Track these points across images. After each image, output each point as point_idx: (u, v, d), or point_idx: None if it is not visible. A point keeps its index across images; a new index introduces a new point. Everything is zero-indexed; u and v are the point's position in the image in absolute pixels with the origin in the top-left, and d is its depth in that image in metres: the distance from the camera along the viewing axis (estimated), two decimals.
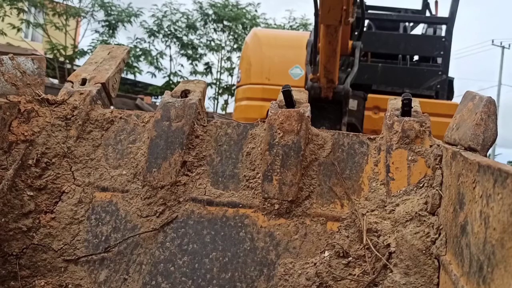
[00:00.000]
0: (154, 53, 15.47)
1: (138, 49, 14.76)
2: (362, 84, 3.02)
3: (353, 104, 2.92)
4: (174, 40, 15.51)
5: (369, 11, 3.48)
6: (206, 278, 0.80)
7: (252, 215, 0.83)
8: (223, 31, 15.31)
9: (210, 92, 15.29)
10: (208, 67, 15.62)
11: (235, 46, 15.74)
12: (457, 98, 3.32)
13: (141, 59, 14.70)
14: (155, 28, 15.37)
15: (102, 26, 14.64)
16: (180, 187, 0.86)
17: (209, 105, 14.72)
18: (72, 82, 1.01)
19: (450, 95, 3.13)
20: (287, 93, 0.89)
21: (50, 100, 0.95)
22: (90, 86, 0.99)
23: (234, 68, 15.46)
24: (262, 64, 3.98)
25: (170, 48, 15.74)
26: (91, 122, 0.95)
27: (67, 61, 13.00)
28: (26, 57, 0.97)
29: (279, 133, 0.85)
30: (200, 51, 15.86)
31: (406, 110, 0.86)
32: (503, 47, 21.98)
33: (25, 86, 0.94)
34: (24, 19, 12.93)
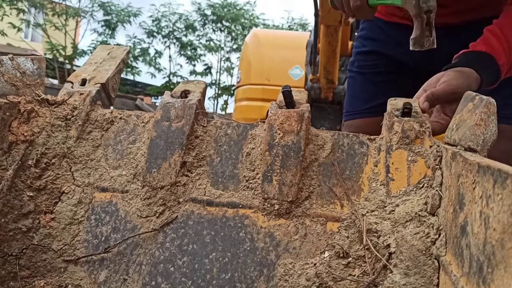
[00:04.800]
0: (152, 53, 15.42)
1: (137, 50, 14.77)
2: None
3: None
4: (174, 40, 15.52)
5: None
6: (206, 278, 0.79)
7: (252, 215, 0.83)
8: (221, 31, 15.31)
9: (210, 92, 15.31)
10: (208, 68, 15.63)
11: (234, 47, 15.73)
12: None
13: (140, 59, 14.71)
14: (154, 28, 15.37)
15: (102, 26, 14.63)
16: (180, 187, 0.86)
17: (209, 105, 14.74)
18: (72, 83, 1.01)
19: None
20: (287, 94, 0.89)
21: (50, 100, 0.95)
22: (90, 86, 0.99)
23: (234, 68, 15.46)
24: (262, 64, 3.98)
25: (169, 48, 15.74)
26: (91, 122, 0.95)
27: (67, 61, 12.99)
28: (25, 58, 0.97)
29: (279, 134, 0.85)
30: (199, 51, 15.86)
31: (406, 110, 0.86)
32: None
33: (25, 86, 0.94)
34: (24, 19, 12.93)
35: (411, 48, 0.96)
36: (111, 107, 1.03)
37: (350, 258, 0.75)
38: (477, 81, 1.07)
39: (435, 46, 0.98)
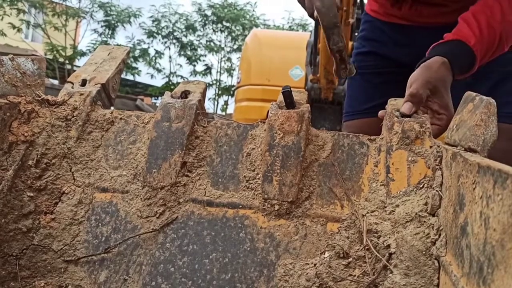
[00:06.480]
0: (152, 53, 15.40)
1: (137, 50, 14.75)
2: None
3: None
4: (174, 41, 15.51)
5: None
6: (206, 278, 0.80)
7: (252, 216, 0.83)
8: (222, 31, 15.31)
9: (210, 92, 15.31)
10: (208, 68, 15.63)
11: (234, 47, 15.72)
12: None
13: (140, 59, 14.71)
14: (153, 29, 15.36)
15: (102, 27, 14.62)
16: (180, 187, 0.86)
17: (209, 106, 14.74)
18: (72, 83, 1.01)
19: None
20: (287, 94, 0.89)
21: (50, 100, 0.95)
22: (90, 86, 0.99)
23: (234, 69, 15.46)
24: (262, 64, 3.98)
25: (169, 49, 15.73)
26: (91, 123, 0.95)
27: (67, 61, 12.99)
28: (26, 58, 0.97)
29: (279, 134, 0.85)
30: (199, 51, 15.84)
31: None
32: None
33: (25, 86, 0.94)
34: (24, 20, 12.92)
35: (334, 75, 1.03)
36: (112, 108, 1.03)
37: (350, 259, 0.75)
38: (445, 65, 1.06)
39: (354, 73, 1.04)
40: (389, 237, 0.73)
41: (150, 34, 15.23)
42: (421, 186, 0.77)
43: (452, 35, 1.12)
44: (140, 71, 15.08)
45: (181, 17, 15.48)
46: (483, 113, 0.70)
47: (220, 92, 15.47)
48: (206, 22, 15.46)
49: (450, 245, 0.63)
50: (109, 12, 14.14)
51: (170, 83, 15.21)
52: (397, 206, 0.76)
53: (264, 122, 0.90)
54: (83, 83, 1.01)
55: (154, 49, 15.53)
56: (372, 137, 0.87)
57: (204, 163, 0.89)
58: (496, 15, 1.11)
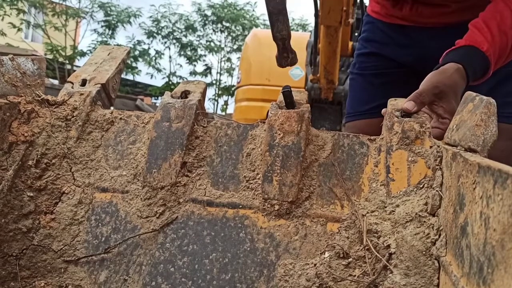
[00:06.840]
0: (152, 53, 15.39)
1: (137, 51, 14.75)
2: None
3: None
4: (173, 41, 15.50)
5: None
6: (206, 279, 0.80)
7: (252, 216, 0.83)
8: (221, 31, 15.30)
9: (210, 92, 15.31)
10: (208, 68, 15.62)
11: (234, 47, 15.71)
12: None
13: (140, 59, 14.70)
14: (153, 29, 15.35)
15: (102, 27, 14.61)
16: (180, 187, 0.86)
17: (209, 106, 14.73)
18: (72, 83, 1.02)
19: None
20: (287, 94, 0.89)
21: (50, 100, 0.95)
22: (90, 87, 0.99)
23: (234, 69, 15.45)
24: (262, 64, 3.98)
25: (169, 49, 15.72)
26: (91, 123, 0.95)
27: (67, 61, 12.98)
28: (26, 58, 0.97)
29: (279, 134, 0.85)
30: (199, 52, 15.83)
31: (404, 114, 0.87)
32: None
33: (25, 86, 0.94)
34: (24, 19, 12.91)
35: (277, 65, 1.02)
36: (111, 108, 1.03)
37: (350, 259, 0.75)
38: (460, 71, 1.06)
39: (296, 63, 1.05)
40: (389, 237, 0.73)
41: (150, 34, 15.23)
42: (421, 186, 0.77)
43: (464, 41, 1.12)
44: (140, 71, 15.09)
45: (181, 17, 15.48)
46: (483, 113, 0.70)
47: (220, 92, 15.47)
48: (206, 22, 15.46)
49: (450, 245, 0.63)
50: (109, 12, 14.14)
51: (170, 83, 15.22)
52: (397, 206, 0.76)
53: (264, 122, 0.90)
54: (83, 83, 1.01)
55: (154, 49, 15.54)
56: (372, 137, 0.87)
57: (204, 163, 0.89)
58: (506, 20, 1.11)
